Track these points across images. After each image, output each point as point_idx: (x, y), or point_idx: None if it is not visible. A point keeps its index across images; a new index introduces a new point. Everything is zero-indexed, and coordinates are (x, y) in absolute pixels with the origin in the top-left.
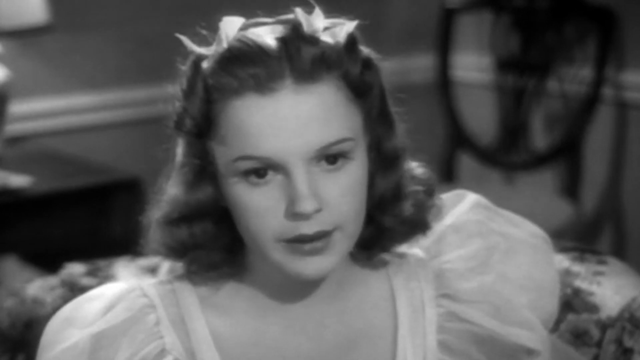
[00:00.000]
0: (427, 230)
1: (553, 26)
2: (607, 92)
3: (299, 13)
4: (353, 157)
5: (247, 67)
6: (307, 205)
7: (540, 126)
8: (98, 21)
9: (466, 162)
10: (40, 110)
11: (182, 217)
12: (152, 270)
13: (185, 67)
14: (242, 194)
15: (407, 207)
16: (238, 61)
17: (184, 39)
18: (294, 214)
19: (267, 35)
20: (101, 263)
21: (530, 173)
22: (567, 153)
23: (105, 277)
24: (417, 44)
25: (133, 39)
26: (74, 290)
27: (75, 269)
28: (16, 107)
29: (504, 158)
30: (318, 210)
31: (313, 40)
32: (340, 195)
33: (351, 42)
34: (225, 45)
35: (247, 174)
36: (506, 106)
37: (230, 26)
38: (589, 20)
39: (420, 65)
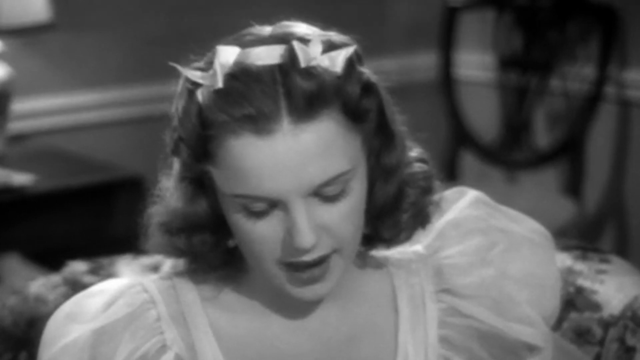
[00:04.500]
0: (427, 225)
1: (555, 24)
2: (610, 90)
3: (296, 45)
4: (352, 186)
5: (242, 107)
6: (306, 241)
7: (542, 124)
8: (100, 20)
9: (469, 161)
10: (43, 108)
11: (181, 228)
12: (155, 268)
13: (179, 91)
14: (242, 223)
15: (406, 218)
16: (233, 101)
17: (180, 67)
18: (293, 248)
19: (263, 66)
20: (103, 261)
21: (533, 171)
22: (569, 151)
23: (107, 275)
24: (420, 42)
25: (135, 38)
26: (77, 288)
27: (77, 267)
28: (19, 105)
29: (507, 156)
30: (315, 245)
31: (309, 74)
32: (339, 221)
33: (350, 67)
34: (220, 82)
35: (245, 208)
36: (509, 104)
37: (225, 56)
38: (591, 18)
39: (423, 63)
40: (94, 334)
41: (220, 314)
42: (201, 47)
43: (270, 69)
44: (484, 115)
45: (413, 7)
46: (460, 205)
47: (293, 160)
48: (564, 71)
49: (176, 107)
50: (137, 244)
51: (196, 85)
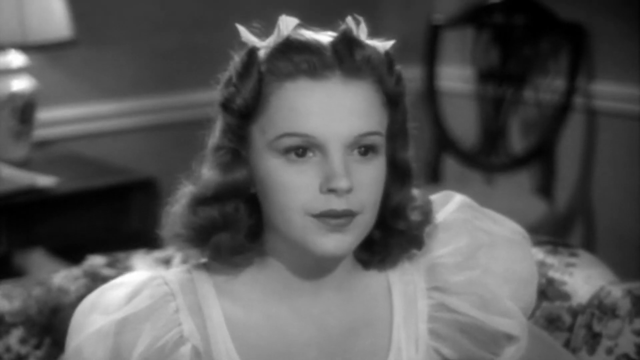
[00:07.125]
0: (421, 246)
1: (529, 40)
2: (578, 100)
3: (349, 21)
4: (380, 152)
5: (303, 53)
6: (342, 182)
7: (517, 131)
8: (117, 36)
9: (450, 164)
10: (65, 117)
11: (217, 196)
12: (166, 262)
13: (238, 57)
14: (280, 169)
15: (415, 215)
16: (296, 48)
17: (242, 30)
18: (328, 190)
19: (320, 36)
20: (120, 255)
21: (509, 174)
22: (541, 156)
23: (123, 268)
24: (406, 57)
25: (149, 53)
26: (96, 280)
27: (96, 261)
28: (43, 114)
29: (485, 160)
30: (350, 190)
31: (361, 45)
32: (368, 183)
33: (389, 57)
34: (282, 37)
35: (287, 151)
36: (486, 113)
37: (286, 24)
38: (561, 35)
39: (409, 76)
40: (117, 324)
41: (234, 304)
42: (211, 61)
43: (325, 38)
44: (464, 123)
45: (400, 25)
46: (448, 208)
47: (340, 107)
48: (536, 83)
49: (234, 67)
50: (151, 240)
51: (256, 48)
